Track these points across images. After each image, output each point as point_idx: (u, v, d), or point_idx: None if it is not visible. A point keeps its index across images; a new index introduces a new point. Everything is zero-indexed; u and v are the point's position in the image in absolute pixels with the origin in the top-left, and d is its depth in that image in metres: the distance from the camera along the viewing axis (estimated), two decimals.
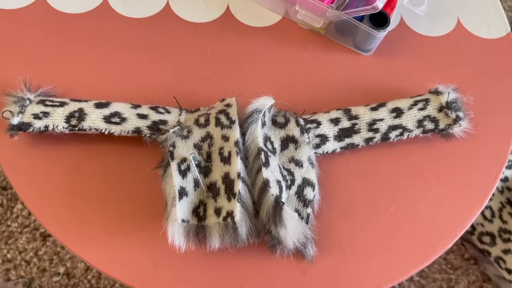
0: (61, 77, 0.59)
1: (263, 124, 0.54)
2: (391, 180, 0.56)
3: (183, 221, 0.48)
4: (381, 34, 0.59)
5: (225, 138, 0.52)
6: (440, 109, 0.56)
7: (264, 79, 0.61)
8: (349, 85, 0.61)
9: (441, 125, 0.56)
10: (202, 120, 0.54)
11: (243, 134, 0.53)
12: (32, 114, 0.53)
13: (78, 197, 0.54)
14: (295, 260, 0.52)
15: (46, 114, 0.53)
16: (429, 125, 0.56)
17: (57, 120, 0.53)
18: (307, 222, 0.52)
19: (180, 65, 0.61)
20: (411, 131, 0.56)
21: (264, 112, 0.54)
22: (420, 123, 0.56)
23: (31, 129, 0.52)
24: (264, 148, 0.52)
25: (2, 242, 0.92)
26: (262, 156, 0.51)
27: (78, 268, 0.90)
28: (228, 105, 0.55)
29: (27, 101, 0.54)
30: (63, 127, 0.53)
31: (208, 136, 0.53)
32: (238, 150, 0.51)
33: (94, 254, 0.52)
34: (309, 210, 0.52)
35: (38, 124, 0.52)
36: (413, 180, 0.57)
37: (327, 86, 0.61)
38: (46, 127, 0.53)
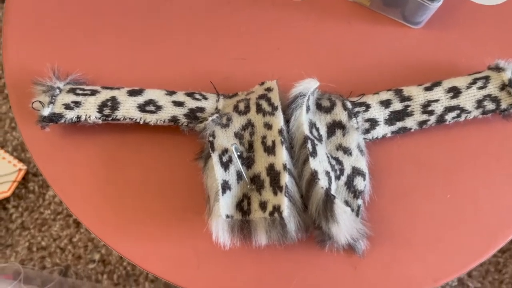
0: (90, 62, 0.56)
1: (307, 109, 0.50)
2: (446, 166, 0.52)
3: (227, 216, 0.45)
4: (435, 5, 0.53)
5: (268, 126, 0.49)
6: (502, 87, 0.51)
7: (304, 58, 0.57)
8: (398, 62, 0.56)
9: (503, 105, 0.51)
10: (241, 106, 0.50)
11: (286, 121, 0.49)
12: (63, 104, 0.50)
13: (114, 189, 0.51)
14: (345, 254, 0.49)
15: (77, 104, 0.50)
16: (490, 105, 0.51)
17: (89, 110, 0.50)
18: (357, 215, 0.48)
19: (212, 45, 0.57)
20: (469, 112, 0.51)
21: (308, 96, 0.50)
22: (479, 103, 0.51)
23: (62, 120, 0.50)
24: (311, 136, 0.48)
25: (36, 229, 0.92)
26: (309, 145, 0.47)
27: (113, 254, 0.90)
28: (269, 89, 0.51)
29: (57, 90, 0.51)
30: (96, 117, 0.50)
31: (249, 124, 0.49)
32: (282, 139, 0.47)
33: (132, 249, 0.50)
34: (359, 201, 0.49)
35: (70, 115, 0.50)
36: (471, 165, 0.52)
37: (374, 63, 0.56)
38: (78, 117, 0.50)
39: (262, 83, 0.52)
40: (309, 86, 0.50)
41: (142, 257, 0.49)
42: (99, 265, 0.88)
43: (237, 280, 0.48)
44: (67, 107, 0.50)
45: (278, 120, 0.48)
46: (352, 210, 0.48)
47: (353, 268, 0.49)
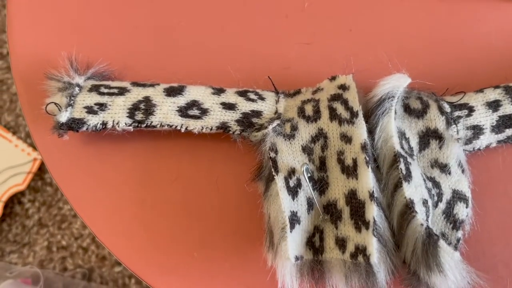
0: (116, 49, 0.45)
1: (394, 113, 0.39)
2: None
3: (296, 258, 0.35)
4: None
5: (346, 139, 0.38)
6: None
7: (384, 42, 0.45)
8: (506, 47, 0.44)
9: None
10: (309, 110, 0.39)
11: (369, 131, 0.38)
12: (85, 107, 0.40)
13: (149, 212, 0.42)
14: None
15: (102, 107, 0.40)
16: None
17: (117, 114, 0.40)
18: (455, 250, 0.38)
19: (268, 27, 0.45)
20: None
21: (397, 98, 0.39)
22: None
23: (84, 128, 0.39)
24: (402, 153, 0.37)
25: (55, 227, 0.83)
26: (402, 165, 0.36)
27: None
28: (343, 87, 0.40)
29: (76, 88, 0.40)
30: (126, 123, 0.40)
31: (321, 135, 0.39)
32: (367, 158, 0.36)
33: (173, 284, 0.41)
34: (459, 233, 0.38)
35: (94, 121, 0.39)
36: None
37: (475, 50, 0.44)
38: (104, 124, 0.40)
39: (333, 78, 0.41)
40: (398, 84, 0.39)
41: None
42: (126, 268, 0.80)
43: None
44: (90, 110, 0.39)
45: (360, 131, 0.37)
46: (449, 244, 0.38)
47: None
